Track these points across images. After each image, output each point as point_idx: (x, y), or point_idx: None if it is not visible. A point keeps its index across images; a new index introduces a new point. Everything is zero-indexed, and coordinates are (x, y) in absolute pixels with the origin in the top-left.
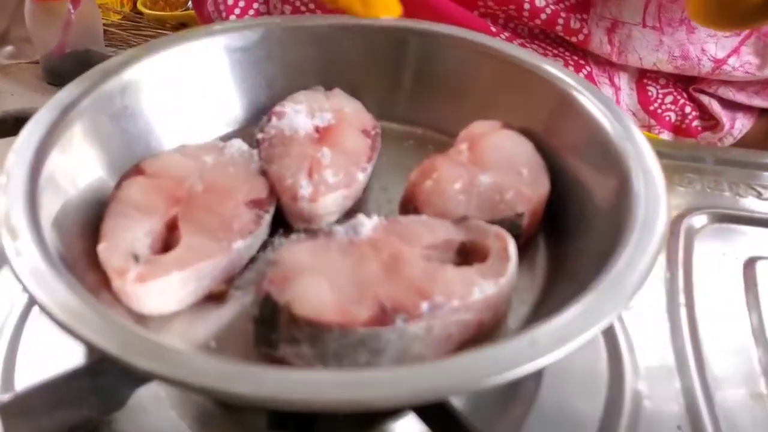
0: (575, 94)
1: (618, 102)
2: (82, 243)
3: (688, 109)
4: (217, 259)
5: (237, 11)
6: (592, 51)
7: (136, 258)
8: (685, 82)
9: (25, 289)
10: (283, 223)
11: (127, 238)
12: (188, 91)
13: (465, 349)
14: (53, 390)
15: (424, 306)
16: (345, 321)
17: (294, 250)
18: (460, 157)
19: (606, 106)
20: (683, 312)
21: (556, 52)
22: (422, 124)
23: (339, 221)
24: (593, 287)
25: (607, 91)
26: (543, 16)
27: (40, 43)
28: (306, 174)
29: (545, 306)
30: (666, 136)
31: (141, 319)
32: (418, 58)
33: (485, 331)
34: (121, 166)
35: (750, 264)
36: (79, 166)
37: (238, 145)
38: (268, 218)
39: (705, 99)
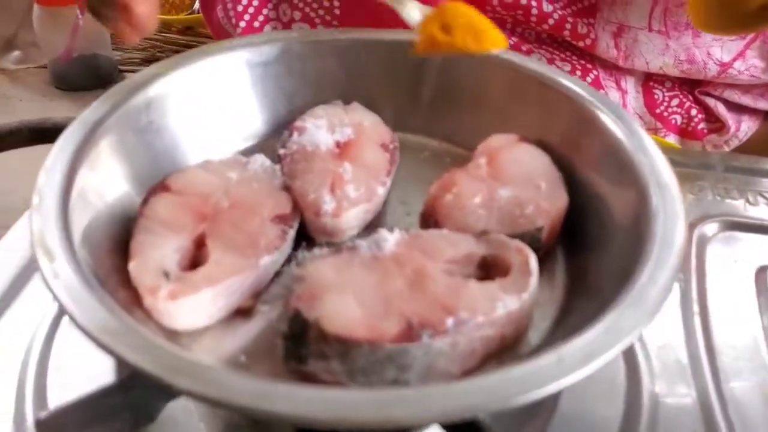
0: (591, 107)
1: (624, 105)
2: (111, 259)
3: (694, 112)
4: (246, 275)
5: (247, 17)
6: (598, 55)
7: (166, 275)
8: (691, 85)
9: (65, 311)
10: (305, 237)
11: (156, 255)
12: (211, 105)
13: (487, 364)
14: (87, 406)
15: (450, 322)
16: (374, 337)
17: (319, 266)
18: (479, 171)
19: (620, 118)
20: (697, 319)
21: (563, 56)
22: (438, 136)
23: (360, 235)
24: (616, 304)
25: (614, 94)
26: (550, 21)
27: (48, 48)
28: (328, 189)
29: (566, 321)
30: (672, 138)
31: (172, 334)
32: (437, 71)
33: (507, 345)
34: (146, 181)
35: (762, 271)
36: (106, 182)
37: (261, 160)
38: (292, 233)
39: (711, 102)
